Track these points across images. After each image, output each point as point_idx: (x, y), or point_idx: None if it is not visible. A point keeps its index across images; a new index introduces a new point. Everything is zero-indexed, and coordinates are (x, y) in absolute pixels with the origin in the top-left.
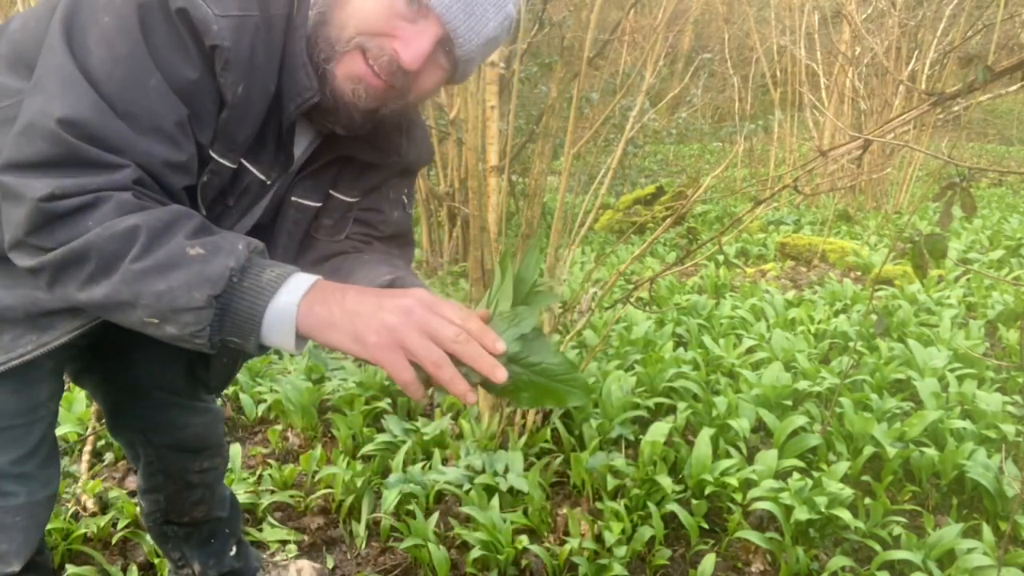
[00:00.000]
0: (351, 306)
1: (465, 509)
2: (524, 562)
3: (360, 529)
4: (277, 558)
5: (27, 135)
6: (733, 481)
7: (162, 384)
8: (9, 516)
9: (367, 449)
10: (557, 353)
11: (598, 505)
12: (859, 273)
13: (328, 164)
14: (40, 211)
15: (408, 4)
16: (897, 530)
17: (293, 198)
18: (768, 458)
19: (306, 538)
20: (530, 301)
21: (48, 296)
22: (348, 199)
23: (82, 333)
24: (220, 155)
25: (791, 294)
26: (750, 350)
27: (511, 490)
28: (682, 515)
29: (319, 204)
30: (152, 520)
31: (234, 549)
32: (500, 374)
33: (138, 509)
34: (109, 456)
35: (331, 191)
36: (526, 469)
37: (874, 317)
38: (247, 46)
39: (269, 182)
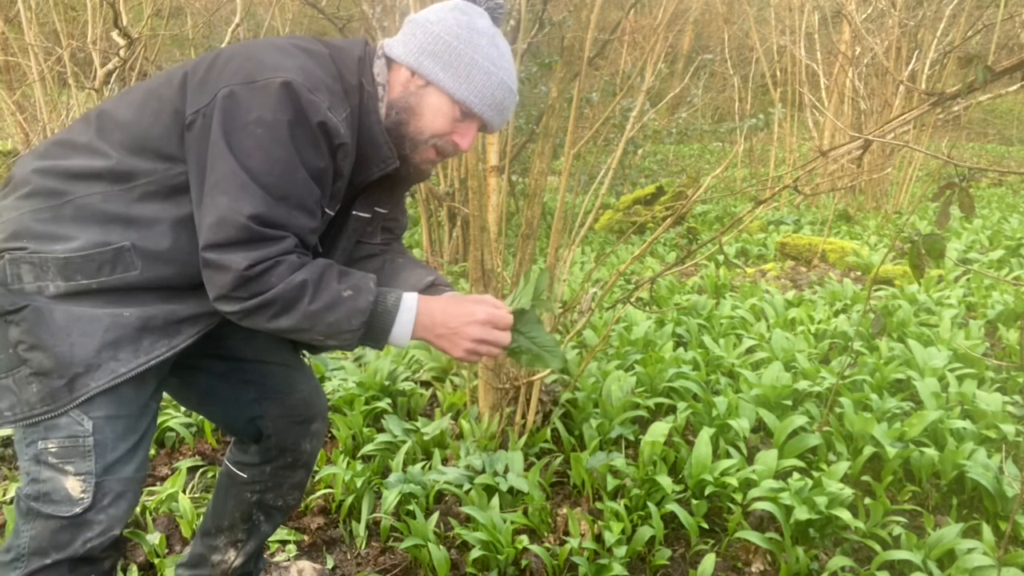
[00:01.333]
0: (443, 319)
1: (465, 509)
2: (524, 562)
3: (360, 529)
4: (278, 558)
5: (221, 225)
6: (733, 481)
7: (268, 347)
8: (123, 485)
9: (367, 449)
10: (546, 333)
11: (598, 505)
12: (859, 273)
13: (373, 185)
14: (242, 276)
15: (463, 115)
16: (897, 530)
17: (354, 212)
18: (768, 458)
19: (306, 538)
20: (536, 304)
21: (184, 306)
22: (384, 211)
23: (204, 335)
24: (330, 209)
25: (791, 294)
26: (750, 350)
27: (511, 490)
28: (682, 515)
29: (370, 216)
30: (249, 492)
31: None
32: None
33: (219, 479)
34: None
35: (376, 207)
36: (526, 469)
37: (872, 316)
38: (351, 136)
39: (332, 213)
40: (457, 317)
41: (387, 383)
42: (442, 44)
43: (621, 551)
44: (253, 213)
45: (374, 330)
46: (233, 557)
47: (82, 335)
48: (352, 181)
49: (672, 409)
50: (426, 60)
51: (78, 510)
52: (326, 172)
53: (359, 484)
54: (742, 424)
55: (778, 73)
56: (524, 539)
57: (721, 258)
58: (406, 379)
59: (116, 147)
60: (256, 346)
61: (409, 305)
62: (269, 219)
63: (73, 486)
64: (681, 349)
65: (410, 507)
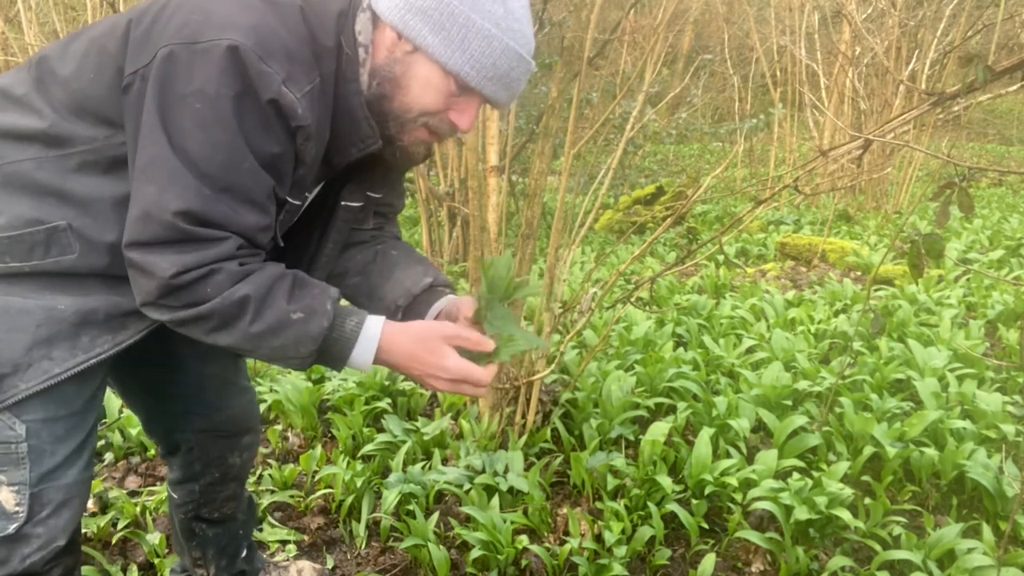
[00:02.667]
0: (408, 363)
1: (465, 509)
2: (524, 562)
3: (360, 529)
4: (277, 558)
5: (145, 221)
6: (733, 481)
7: (211, 354)
8: (65, 493)
9: (367, 449)
10: (516, 327)
11: (598, 505)
12: (859, 273)
13: (365, 169)
14: (169, 285)
15: (459, 89)
16: (897, 530)
17: (343, 202)
18: (768, 458)
19: (306, 538)
20: (514, 293)
21: (130, 299)
22: (376, 195)
23: (150, 332)
24: (294, 198)
25: (791, 294)
26: (750, 350)
27: (511, 490)
28: (682, 515)
29: (362, 204)
30: (183, 513)
31: (244, 551)
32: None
33: (167, 500)
34: (109, 456)
35: (368, 192)
36: (526, 469)
37: (872, 316)
38: (317, 113)
39: (310, 196)
40: (425, 365)
41: (387, 383)
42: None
43: (621, 551)
44: (183, 209)
45: (327, 357)
46: (213, 571)
47: (9, 331)
48: (329, 161)
49: (672, 409)
50: (413, 20)
51: (12, 527)
52: (282, 159)
53: (359, 484)
54: (742, 424)
55: (778, 73)
56: (524, 539)
57: (721, 258)
58: (406, 379)
59: (54, 105)
60: (199, 352)
61: (371, 334)
62: (204, 216)
63: (6, 498)
64: (681, 349)
65: (410, 507)
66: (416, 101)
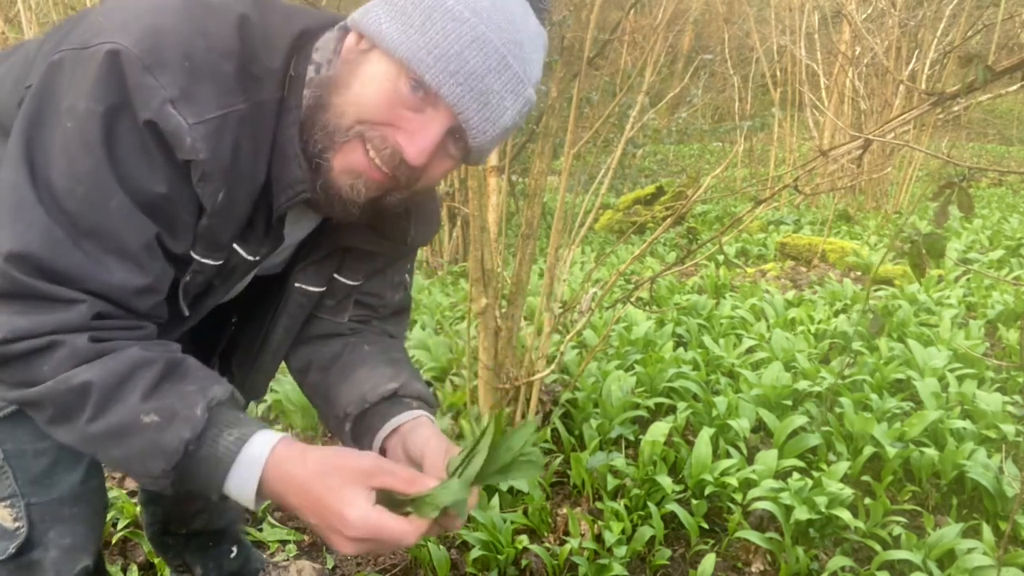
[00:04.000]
0: (301, 502)
1: None
2: (524, 562)
3: None
4: (277, 558)
5: None
6: (733, 481)
7: None
8: (66, 507)
9: None
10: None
11: (598, 505)
12: (859, 273)
13: (331, 252)
14: None
15: (413, 90)
16: (897, 530)
17: (297, 284)
18: (768, 458)
19: (306, 538)
20: (512, 469)
21: None
22: (351, 283)
23: None
24: (204, 256)
25: (791, 294)
26: (750, 350)
27: (511, 490)
28: (682, 515)
29: (323, 289)
30: (151, 531)
31: (234, 551)
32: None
33: (139, 512)
34: None
35: (335, 275)
36: None
37: (871, 316)
38: (228, 148)
39: (258, 259)
40: (321, 514)
41: None
42: None
43: (621, 551)
44: (18, 251)
45: (193, 481)
46: (200, 572)
47: None
48: (258, 210)
49: (672, 409)
50: (375, 10)
51: (13, 547)
52: (170, 201)
53: None
54: (742, 424)
55: (778, 73)
56: (524, 539)
57: (721, 258)
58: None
59: None
60: None
61: (254, 457)
62: (50, 266)
63: (2, 516)
64: (681, 349)
65: None
66: (353, 101)
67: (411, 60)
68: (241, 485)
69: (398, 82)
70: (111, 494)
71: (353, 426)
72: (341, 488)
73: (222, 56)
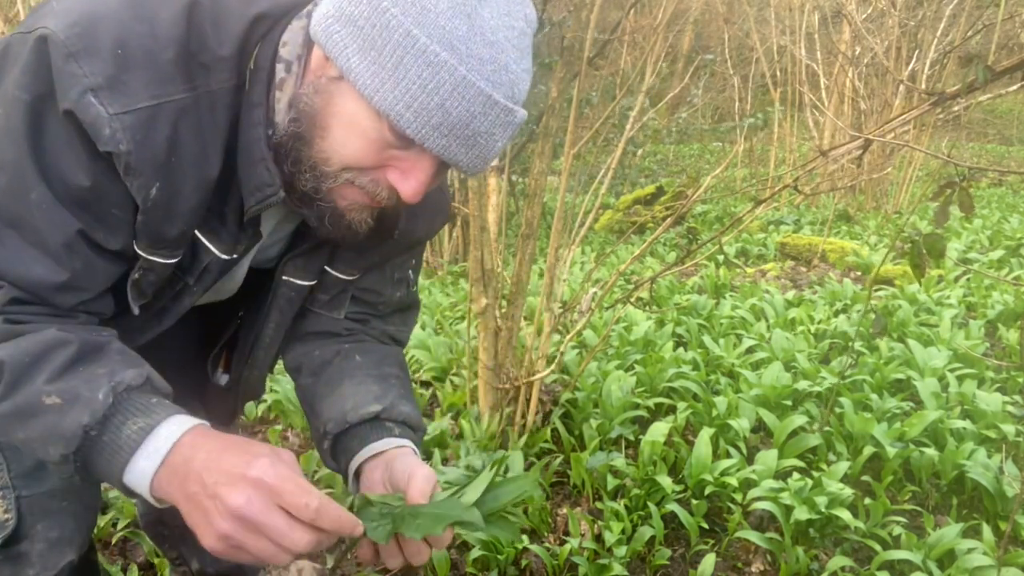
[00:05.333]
0: (203, 468)
1: None
2: (524, 562)
3: None
4: None
5: None
6: (733, 481)
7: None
8: (57, 500)
9: None
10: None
11: (598, 505)
12: (859, 273)
13: (319, 244)
14: None
15: (398, 137)
16: (897, 530)
17: (284, 277)
18: (768, 458)
19: None
20: (492, 522)
21: None
22: (345, 277)
23: None
24: (149, 253)
25: (791, 294)
26: (750, 350)
27: None
28: (682, 515)
29: (313, 283)
30: (146, 520)
31: None
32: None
33: (135, 502)
34: None
35: (327, 267)
36: (526, 469)
37: (872, 316)
38: (162, 140)
39: (235, 256)
40: (221, 470)
41: None
42: (367, 4)
43: (621, 551)
44: None
45: (94, 468)
46: (196, 566)
47: None
48: (226, 205)
49: (672, 409)
50: (339, 32)
51: (0, 538)
52: (96, 195)
53: None
54: (742, 424)
55: (778, 73)
56: (524, 539)
57: (721, 258)
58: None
59: None
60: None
61: (158, 447)
62: None
63: None
64: (681, 349)
65: None
66: (337, 150)
67: (390, 114)
68: (141, 477)
69: (380, 130)
70: (112, 493)
71: (332, 445)
72: (253, 453)
73: (163, 43)
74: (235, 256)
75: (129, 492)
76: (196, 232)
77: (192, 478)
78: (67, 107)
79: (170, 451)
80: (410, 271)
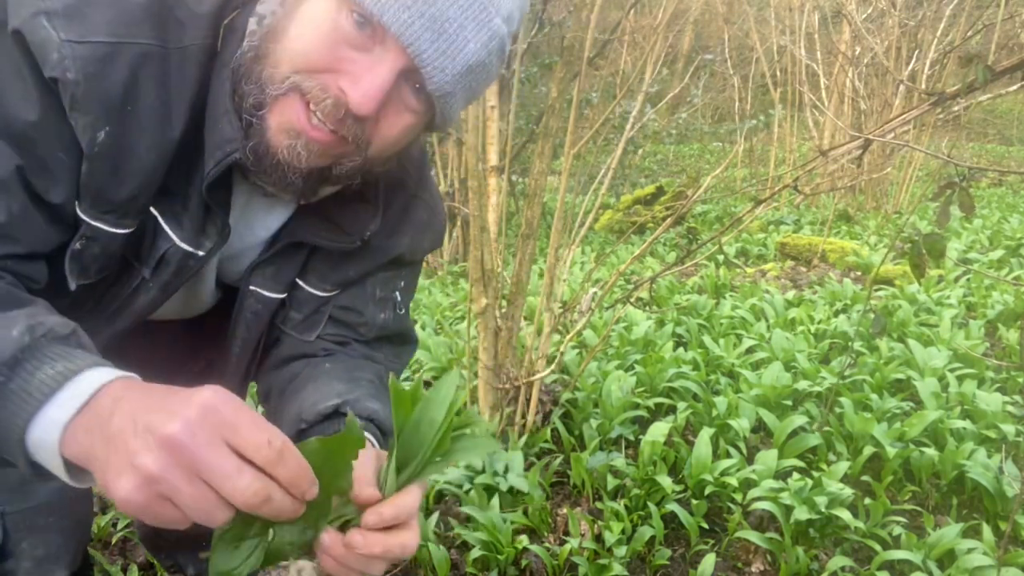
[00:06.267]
0: (114, 428)
1: (465, 509)
2: (524, 562)
3: None
4: None
5: None
6: (733, 481)
7: None
8: (43, 516)
9: None
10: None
11: (598, 505)
12: (859, 273)
13: (289, 249)
14: None
15: (358, 27)
16: (897, 530)
17: (252, 287)
18: (768, 458)
19: None
20: (456, 448)
21: None
22: (319, 293)
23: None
24: (92, 217)
25: (791, 294)
26: (750, 350)
27: (511, 490)
28: (682, 515)
29: (282, 295)
30: (143, 531)
31: None
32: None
33: None
34: None
35: (299, 280)
36: (526, 469)
37: (872, 316)
38: (119, 82)
39: (201, 253)
40: (161, 407)
41: None
42: None
43: (621, 551)
44: None
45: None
46: (192, 572)
47: None
48: (190, 183)
49: (672, 409)
50: None
51: None
52: (42, 131)
53: None
54: (742, 424)
55: (778, 73)
56: (524, 539)
57: (721, 258)
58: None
59: None
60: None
61: (81, 391)
62: None
63: None
64: (681, 349)
65: None
66: (288, 47)
67: None
68: (50, 428)
69: (339, 18)
70: None
71: None
72: (190, 396)
73: None
74: (199, 253)
75: (32, 466)
76: (154, 212)
77: (120, 416)
78: (16, 26)
79: (94, 395)
80: (397, 293)
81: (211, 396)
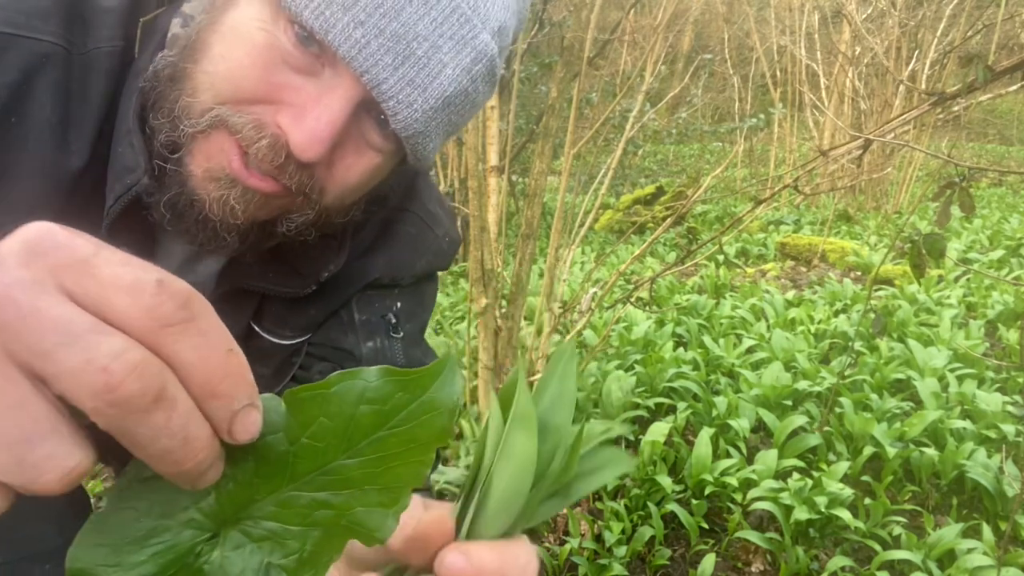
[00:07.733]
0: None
1: None
2: None
3: None
4: None
5: None
6: (733, 481)
7: None
8: (36, 568)
9: None
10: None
11: (598, 505)
12: (859, 273)
13: (233, 294)
14: None
15: (302, 43)
16: (897, 530)
17: None
18: (768, 458)
19: None
20: (580, 478)
21: None
22: (280, 341)
23: None
24: None
25: (791, 294)
26: (750, 350)
27: None
28: (682, 515)
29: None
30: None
31: None
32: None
33: None
34: None
35: (254, 325)
36: None
37: (872, 316)
38: (3, 84)
39: None
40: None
41: None
42: None
43: (621, 551)
44: None
45: None
46: None
47: None
48: (88, 218)
49: (672, 409)
50: None
51: None
52: None
53: None
54: (742, 424)
55: (778, 73)
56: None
57: (721, 258)
58: None
59: None
60: None
61: None
62: None
63: None
64: (681, 349)
65: None
66: (212, 70)
67: (291, 5)
68: None
69: (275, 31)
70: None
71: None
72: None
73: None
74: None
75: None
76: None
77: None
78: None
79: None
80: (390, 315)
81: (42, 225)
